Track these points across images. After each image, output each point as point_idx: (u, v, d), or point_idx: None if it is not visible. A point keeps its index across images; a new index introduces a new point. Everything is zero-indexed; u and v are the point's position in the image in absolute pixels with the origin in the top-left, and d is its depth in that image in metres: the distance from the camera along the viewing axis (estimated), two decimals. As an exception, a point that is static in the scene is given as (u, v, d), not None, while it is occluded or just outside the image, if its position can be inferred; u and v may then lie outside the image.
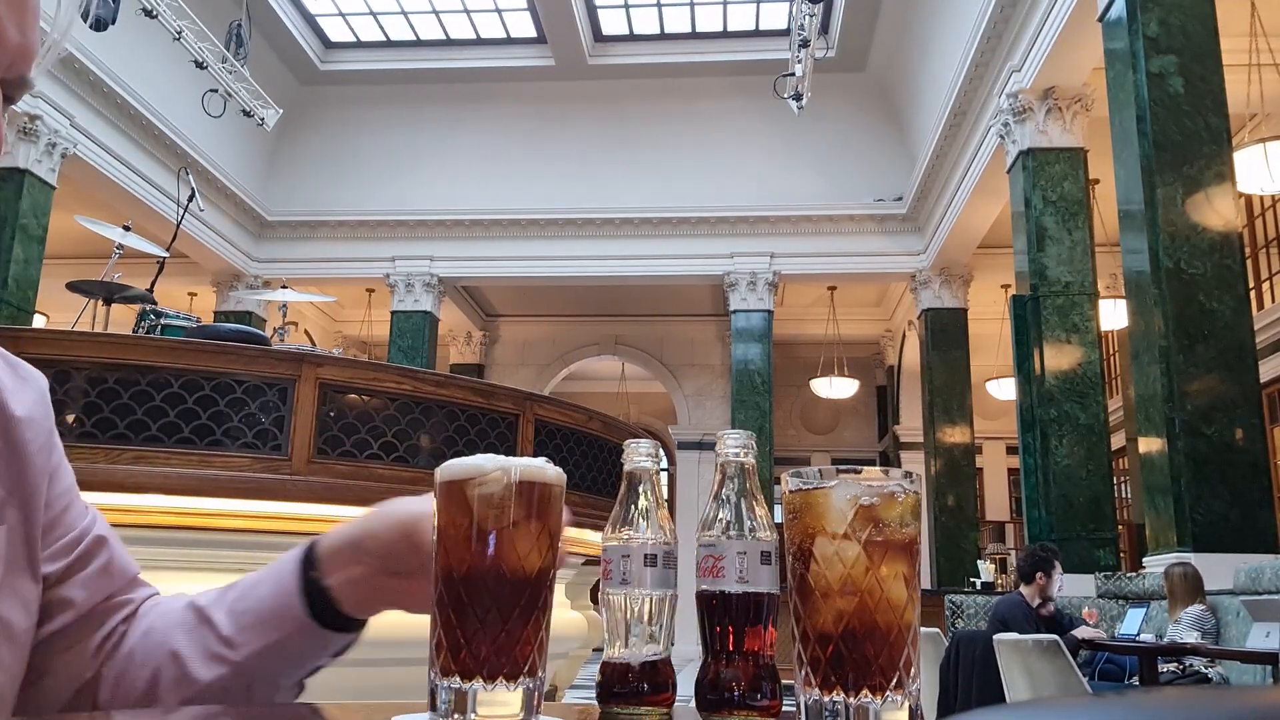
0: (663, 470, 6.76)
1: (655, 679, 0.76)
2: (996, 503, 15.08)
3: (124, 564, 0.78)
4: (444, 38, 11.79)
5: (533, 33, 11.56)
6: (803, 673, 0.59)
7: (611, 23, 11.54)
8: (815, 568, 0.59)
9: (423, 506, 0.69)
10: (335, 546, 0.72)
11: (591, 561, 3.31)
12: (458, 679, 0.57)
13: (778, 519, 0.69)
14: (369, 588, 0.71)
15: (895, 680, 0.57)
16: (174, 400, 2.50)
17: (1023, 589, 5.12)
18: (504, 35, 11.73)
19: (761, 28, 11.41)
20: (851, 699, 0.57)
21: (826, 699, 0.57)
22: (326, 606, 0.71)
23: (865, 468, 0.61)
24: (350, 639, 0.74)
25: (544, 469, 0.60)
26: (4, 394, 0.70)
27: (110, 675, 0.73)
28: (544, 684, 0.59)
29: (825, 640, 0.57)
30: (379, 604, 0.72)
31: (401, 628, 0.74)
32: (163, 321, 3.60)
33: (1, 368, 0.73)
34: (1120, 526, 10.15)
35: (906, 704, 0.57)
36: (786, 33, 9.86)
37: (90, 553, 0.75)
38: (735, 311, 12.08)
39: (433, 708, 0.58)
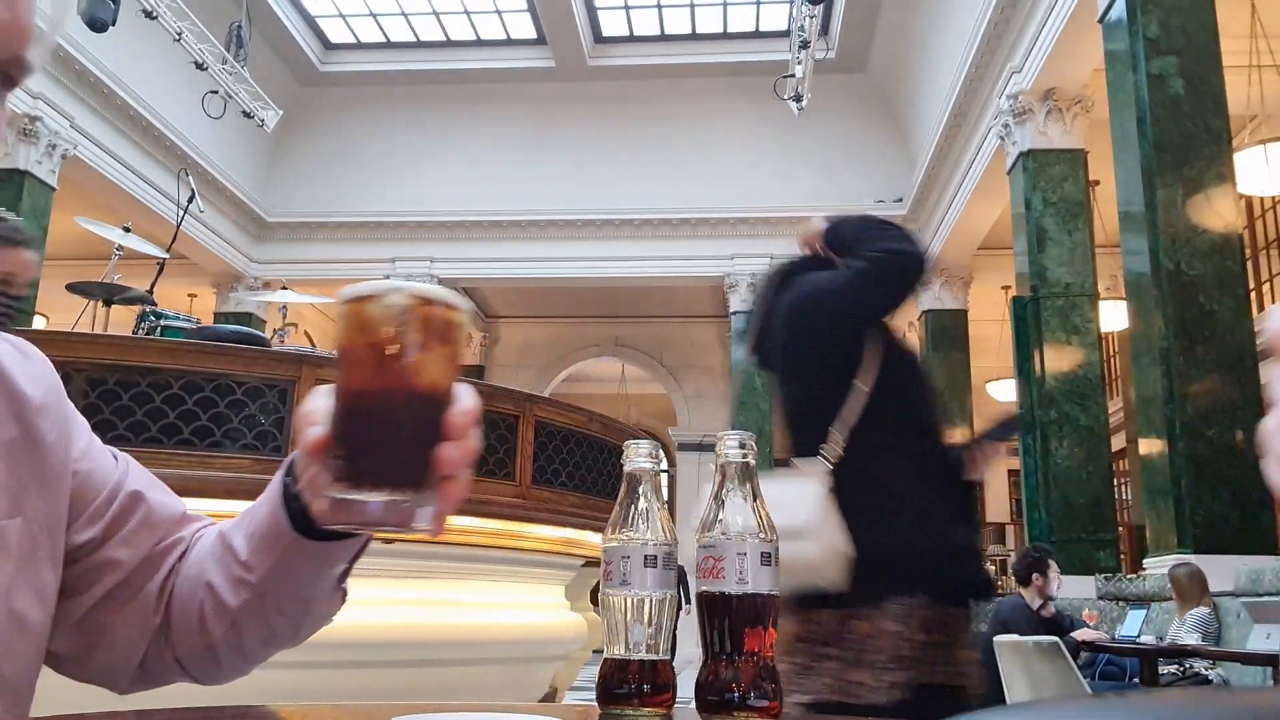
0: (662, 471, 6.76)
1: (655, 680, 0.76)
2: (997, 504, 15.06)
3: (166, 511, 0.75)
4: (444, 39, 11.78)
5: (533, 34, 11.55)
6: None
7: (612, 24, 11.54)
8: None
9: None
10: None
11: (591, 562, 3.31)
12: (349, 489, 0.57)
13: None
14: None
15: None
16: (174, 402, 2.50)
17: (1022, 591, 5.12)
18: (504, 36, 11.73)
19: (762, 29, 11.40)
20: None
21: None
22: (307, 517, 0.64)
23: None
24: (353, 546, 0.68)
25: (445, 292, 0.59)
26: (18, 381, 0.69)
27: (174, 616, 0.72)
28: (432, 501, 0.58)
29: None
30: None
31: (395, 630, 0.72)
32: (163, 323, 3.59)
33: (9, 353, 0.70)
34: (1120, 528, 10.13)
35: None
36: (787, 34, 9.85)
37: (127, 509, 0.73)
38: (736, 313, 12.07)
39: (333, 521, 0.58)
